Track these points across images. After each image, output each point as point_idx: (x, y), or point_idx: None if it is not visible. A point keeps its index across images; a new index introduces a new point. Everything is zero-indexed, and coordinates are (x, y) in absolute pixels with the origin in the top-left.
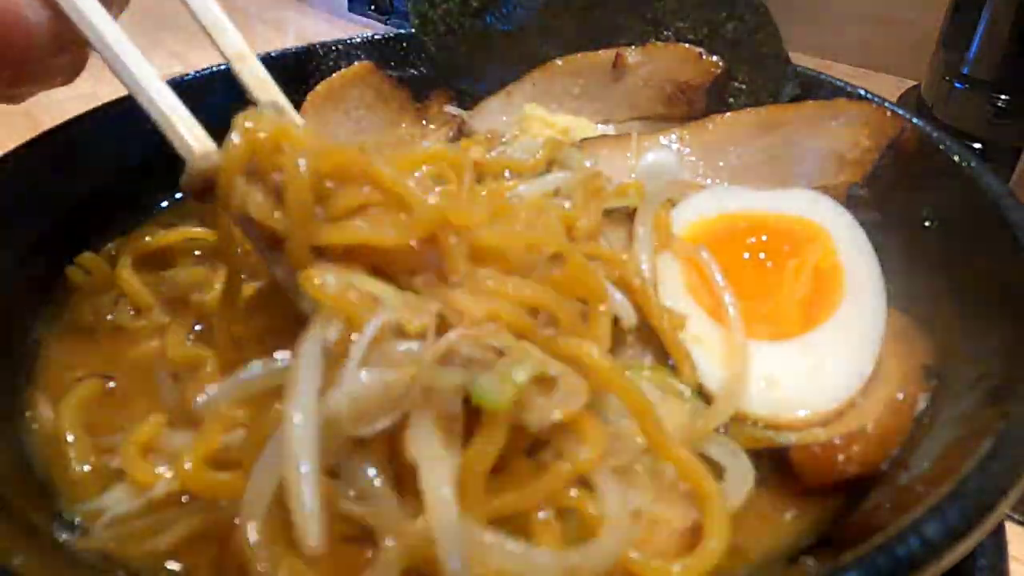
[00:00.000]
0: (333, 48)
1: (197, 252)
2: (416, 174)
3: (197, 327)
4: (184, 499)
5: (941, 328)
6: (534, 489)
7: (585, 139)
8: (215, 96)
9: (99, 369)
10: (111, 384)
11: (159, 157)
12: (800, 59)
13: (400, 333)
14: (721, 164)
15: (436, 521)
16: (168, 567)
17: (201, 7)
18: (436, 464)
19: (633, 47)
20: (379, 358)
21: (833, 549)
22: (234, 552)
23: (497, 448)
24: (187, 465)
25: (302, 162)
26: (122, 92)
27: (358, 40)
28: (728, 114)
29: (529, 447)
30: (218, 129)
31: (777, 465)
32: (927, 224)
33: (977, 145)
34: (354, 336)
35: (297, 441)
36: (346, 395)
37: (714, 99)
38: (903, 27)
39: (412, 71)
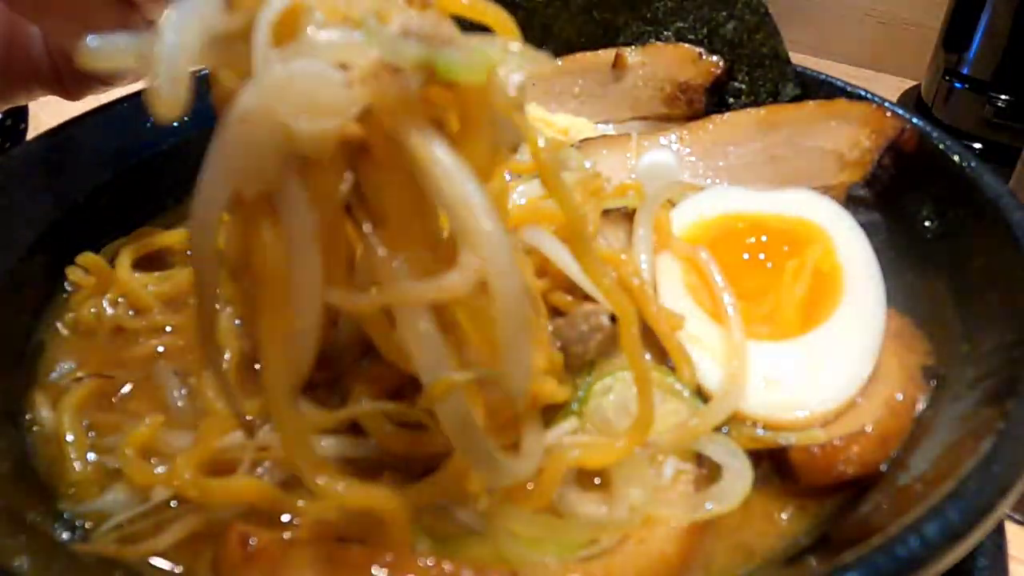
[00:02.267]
0: None
1: None
2: None
3: None
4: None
5: (941, 328)
6: None
7: (585, 139)
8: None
9: (99, 369)
10: (111, 384)
11: (159, 157)
12: (800, 59)
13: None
14: (721, 164)
15: (487, 246)
16: (167, 568)
17: None
18: (449, 164)
19: (633, 47)
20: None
21: (833, 549)
22: (231, 552)
23: (490, 144)
24: (183, 473)
25: None
26: (123, 93)
27: None
28: (728, 114)
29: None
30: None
31: (776, 466)
32: (927, 224)
33: (977, 145)
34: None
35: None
36: (284, 71)
37: (714, 99)
38: (903, 27)
39: None
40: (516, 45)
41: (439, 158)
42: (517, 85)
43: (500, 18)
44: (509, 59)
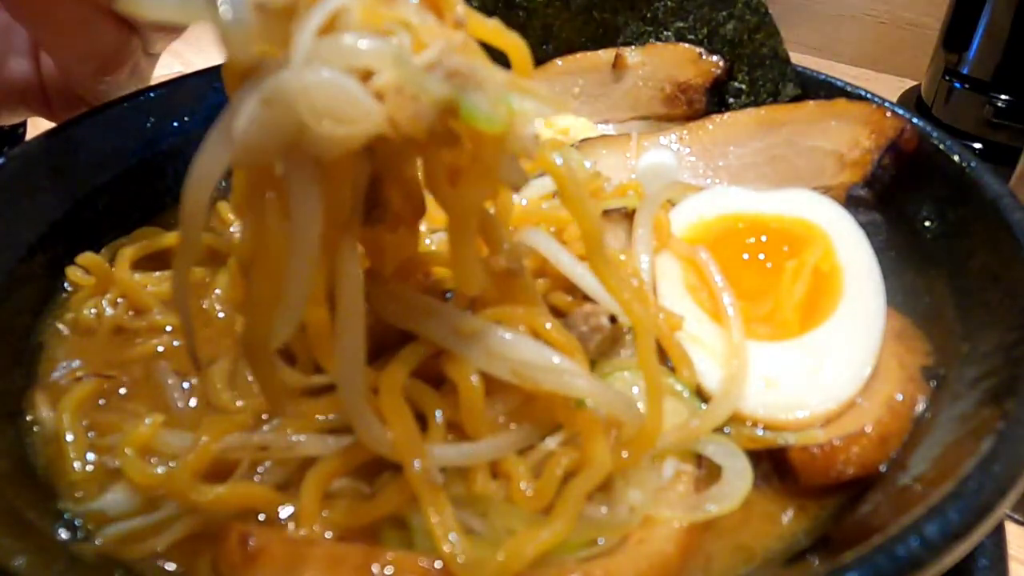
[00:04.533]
0: None
1: None
2: None
3: None
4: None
5: (941, 328)
6: None
7: (585, 139)
8: (215, 96)
9: (99, 369)
10: (111, 384)
11: (159, 157)
12: (800, 59)
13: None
14: (721, 164)
15: None
16: (167, 568)
17: None
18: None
19: (633, 47)
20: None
21: (833, 549)
22: (231, 552)
23: (493, 182)
24: (181, 480)
25: None
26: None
27: None
28: (728, 114)
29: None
30: None
31: (776, 466)
32: (927, 224)
33: (977, 145)
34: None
35: None
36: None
37: (714, 99)
38: (903, 27)
39: None
40: (538, 91)
41: None
42: (532, 135)
43: (519, 48)
44: (530, 110)
